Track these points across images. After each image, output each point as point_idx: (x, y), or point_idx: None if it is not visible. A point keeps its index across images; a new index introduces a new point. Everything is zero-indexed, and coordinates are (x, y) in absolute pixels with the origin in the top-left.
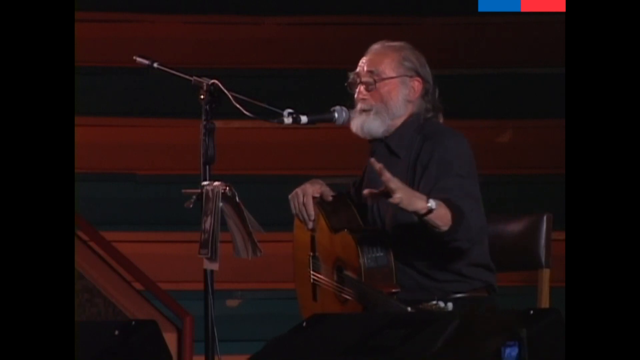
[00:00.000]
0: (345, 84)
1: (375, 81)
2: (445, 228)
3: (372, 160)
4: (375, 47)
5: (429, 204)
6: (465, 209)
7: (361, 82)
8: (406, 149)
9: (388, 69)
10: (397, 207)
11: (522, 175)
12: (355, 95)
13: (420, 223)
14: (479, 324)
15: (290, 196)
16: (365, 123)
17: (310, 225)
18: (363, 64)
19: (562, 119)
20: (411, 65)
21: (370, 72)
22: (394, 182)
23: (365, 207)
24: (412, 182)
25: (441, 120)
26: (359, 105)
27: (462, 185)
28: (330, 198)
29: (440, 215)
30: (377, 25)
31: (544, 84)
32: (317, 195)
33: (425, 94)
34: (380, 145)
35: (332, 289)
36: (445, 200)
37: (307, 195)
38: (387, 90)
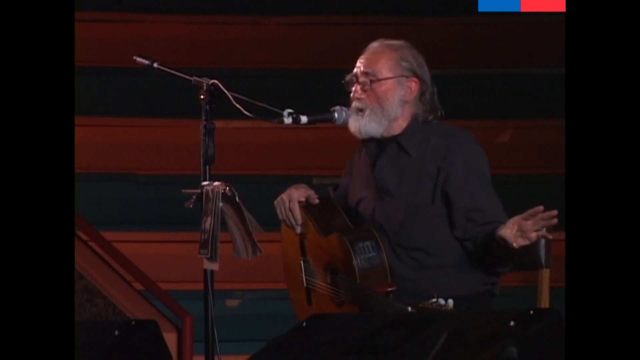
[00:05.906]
0: (343, 82)
1: (371, 82)
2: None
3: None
4: (374, 45)
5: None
6: None
7: (358, 82)
8: (417, 148)
9: (385, 69)
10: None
11: (522, 175)
12: (352, 94)
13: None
14: (474, 332)
15: (275, 202)
16: (363, 126)
17: (299, 229)
18: (361, 63)
19: (562, 119)
20: (409, 65)
21: (366, 72)
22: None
23: (350, 210)
24: (434, 180)
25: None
26: (354, 104)
27: (494, 200)
28: (317, 201)
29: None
30: (376, 25)
31: (544, 84)
32: (303, 199)
33: (422, 94)
34: (392, 144)
35: (327, 292)
36: None
37: (292, 201)
38: (383, 90)
